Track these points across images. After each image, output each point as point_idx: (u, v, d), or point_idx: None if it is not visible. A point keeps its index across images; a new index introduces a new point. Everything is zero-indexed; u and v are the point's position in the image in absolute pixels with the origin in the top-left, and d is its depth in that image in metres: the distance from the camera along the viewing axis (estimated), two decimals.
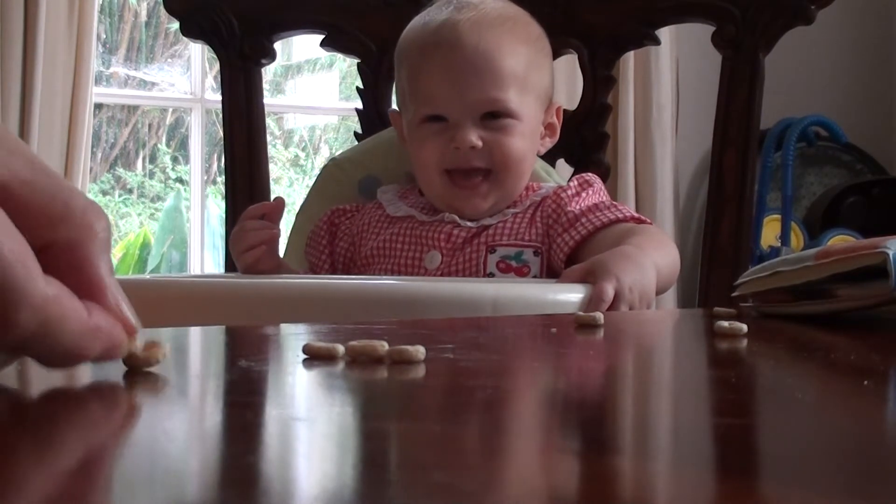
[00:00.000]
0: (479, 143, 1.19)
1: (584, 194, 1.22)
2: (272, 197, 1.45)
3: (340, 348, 0.44)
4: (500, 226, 1.21)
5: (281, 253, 1.28)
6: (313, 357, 0.44)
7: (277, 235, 1.21)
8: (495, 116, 1.20)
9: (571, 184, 1.24)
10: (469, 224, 1.21)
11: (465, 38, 1.20)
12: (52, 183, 0.37)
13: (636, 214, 1.20)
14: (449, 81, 1.20)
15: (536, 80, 1.24)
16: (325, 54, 3.27)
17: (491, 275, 1.18)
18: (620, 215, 1.18)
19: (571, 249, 1.16)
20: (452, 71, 1.20)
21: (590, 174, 1.28)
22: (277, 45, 1.48)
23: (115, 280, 0.38)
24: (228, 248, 1.30)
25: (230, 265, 1.43)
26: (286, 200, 1.24)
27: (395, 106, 1.38)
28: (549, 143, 1.30)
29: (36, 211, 0.36)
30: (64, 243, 0.37)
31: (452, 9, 1.24)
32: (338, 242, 1.29)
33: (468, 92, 1.20)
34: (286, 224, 1.27)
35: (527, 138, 1.23)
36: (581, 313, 0.65)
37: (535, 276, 1.18)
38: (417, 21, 1.27)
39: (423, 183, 1.26)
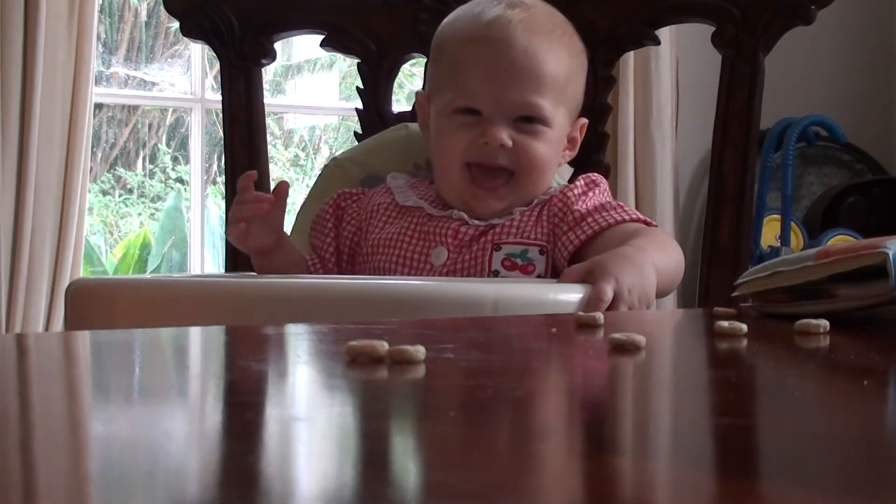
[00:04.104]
0: (510, 143, 1.20)
1: (590, 194, 1.22)
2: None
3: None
4: (507, 224, 1.21)
5: None
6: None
7: (264, 211, 1.16)
8: (528, 120, 1.21)
9: (578, 183, 1.24)
10: (477, 222, 1.21)
11: (516, 39, 1.20)
12: None
13: (642, 216, 1.20)
14: (491, 78, 1.20)
15: (571, 93, 1.25)
16: (325, 54, 3.26)
17: (496, 272, 1.17)
18: (626, 217, 1.18)
19: (576, 248, 1.16)
20: (497, 68, 1.20)
21: (596, 174, 1.28)
22: (277, 45, 1.48)
23: None
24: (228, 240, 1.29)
25: (230, 265, 1.43)
26: (287, 201, 1.23)
27: (418, 90, 1.37)
28: (568, 155, 1.31)
29: None
30: None
31: (504, 5, 1.23)
32: (344, 227, 1.29)
33: (508, 92, 1.20)
34: (287, 224, 1.26)
35: (553, 147, 1.23)
36: (581, 313, 0.65)
37: (539, 275, 1.18)
38: (466, 11, 1.26)
39: (441, 173, 1.25)
